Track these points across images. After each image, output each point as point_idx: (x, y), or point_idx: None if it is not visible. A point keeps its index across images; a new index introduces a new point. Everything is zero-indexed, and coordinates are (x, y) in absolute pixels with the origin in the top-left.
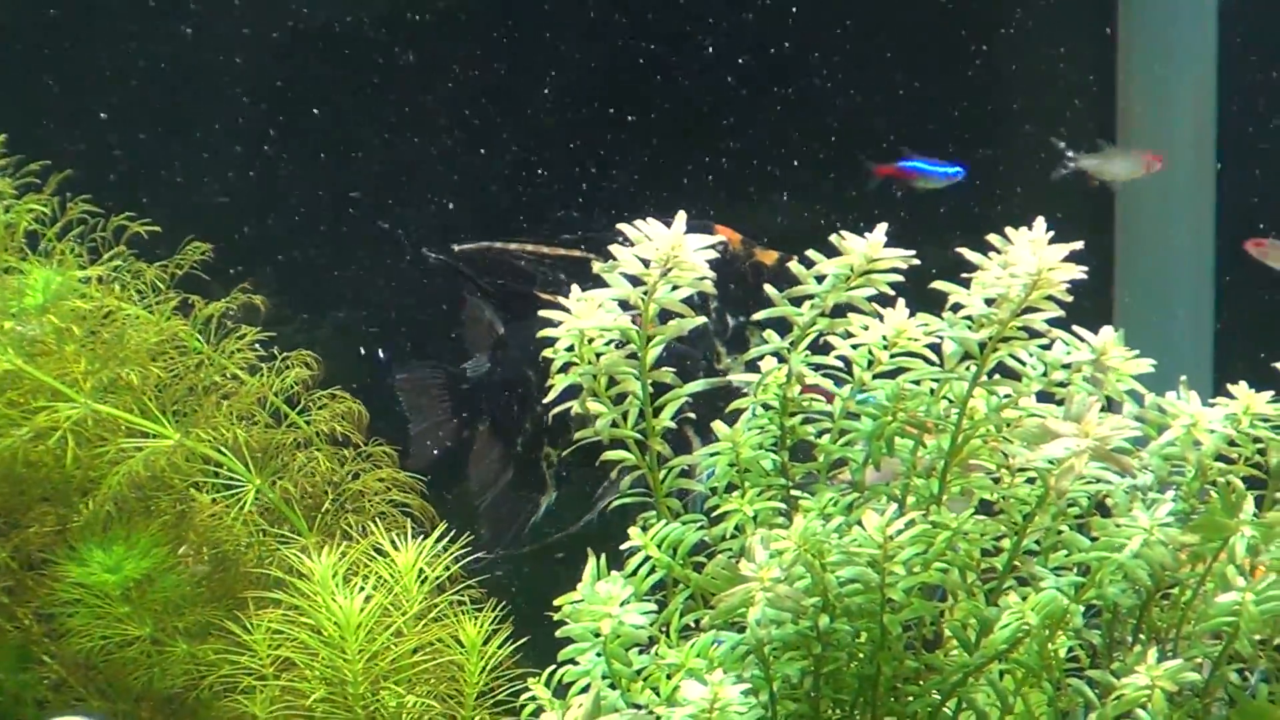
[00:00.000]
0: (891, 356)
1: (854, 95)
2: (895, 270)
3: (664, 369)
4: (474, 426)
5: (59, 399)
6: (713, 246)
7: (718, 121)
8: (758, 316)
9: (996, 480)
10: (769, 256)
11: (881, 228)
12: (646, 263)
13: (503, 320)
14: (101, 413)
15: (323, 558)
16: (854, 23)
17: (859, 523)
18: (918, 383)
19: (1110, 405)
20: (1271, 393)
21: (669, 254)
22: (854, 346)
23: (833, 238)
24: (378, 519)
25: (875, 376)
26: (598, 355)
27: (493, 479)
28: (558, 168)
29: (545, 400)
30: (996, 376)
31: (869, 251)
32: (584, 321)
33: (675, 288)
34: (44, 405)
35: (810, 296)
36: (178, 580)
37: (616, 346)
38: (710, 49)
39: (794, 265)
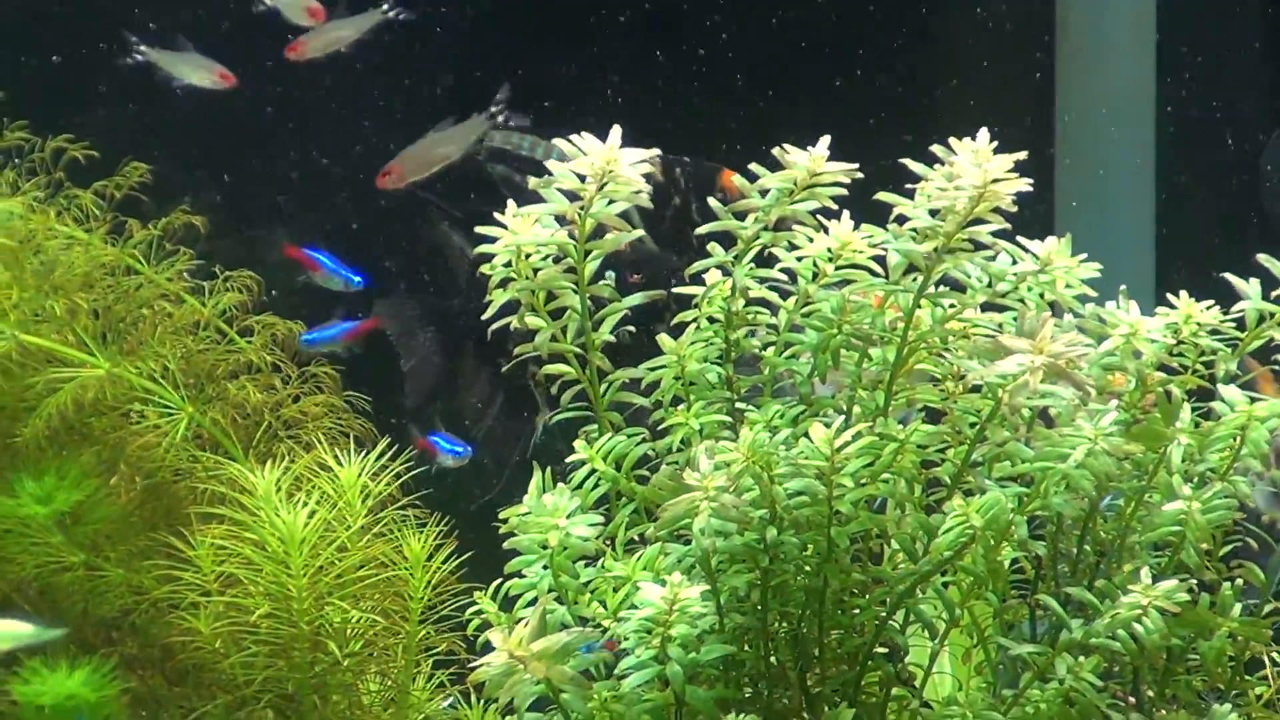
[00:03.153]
0: (836, 269)
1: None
2: (839, 184)
3: (602, 283)
4: (461, 355)
5: None
6: (647, 160)
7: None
8: (701, 230)
9: (942, 390)
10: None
11: (825, 140)
12: (583, 178)
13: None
14: (29, 344)
15: (265, 474)
16: None
17: (806, 435)
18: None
19: (1054, 311)
20: (1211, 302)
21: (604, 168)
22: (799, 259)
23: (775, 150)
24: (319, 438)
25: (820, 288)
26: (535, 271)
27: (487, 406)
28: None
29: (484, 316)
30: (942, 288)
31: (812, 165)
32: (521, 237)
33: (611, 202)
34: None
35: (754, 210)
36: (110, 511)
37: (555, 261)
38: None
39: (737, 179)
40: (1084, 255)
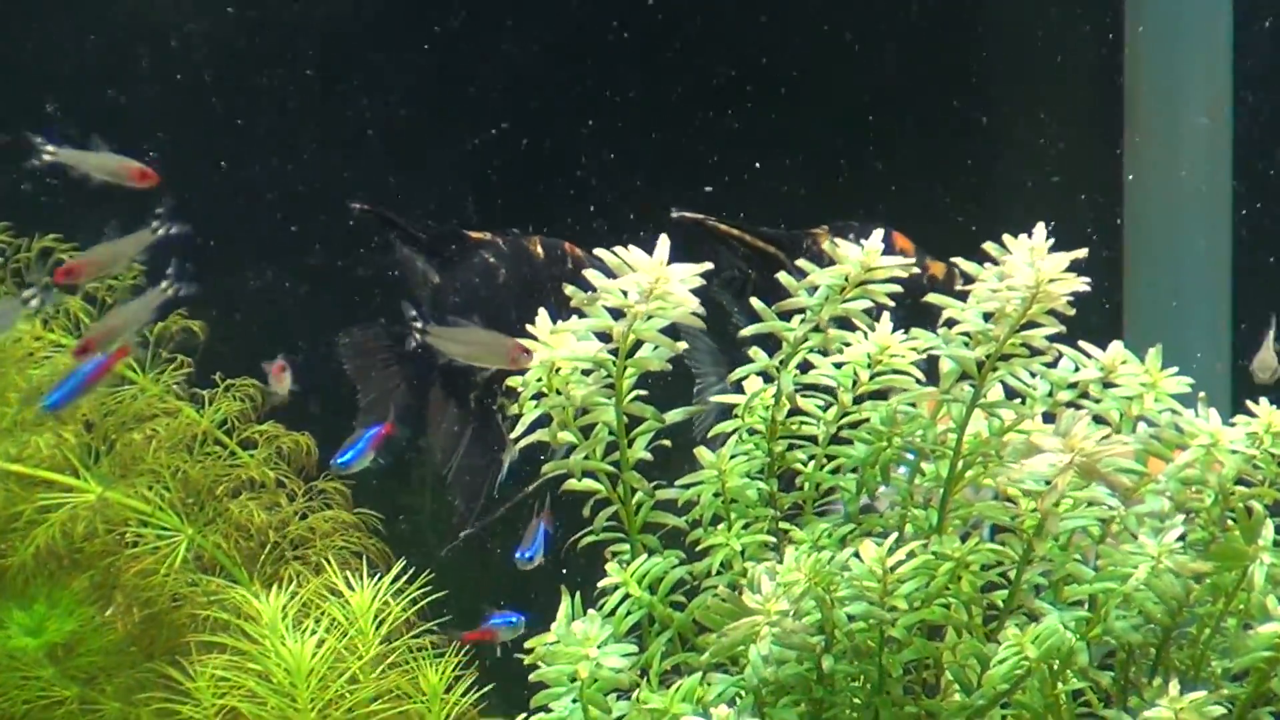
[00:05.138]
0: (873, 376)
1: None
2: (895, 280)
3: (636, 402)
4: (425, 388)
5: None
6: (708, 273)
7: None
8: (745, 332)
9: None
10: (938, 267)
11: (878, 234)
12: (626, 293)
13: (436, 267)
14: (11, 472)
15: (271, 599)
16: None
17: (856, 554)
18: (912, 404)
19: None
20: None
21: (651, 286)
22: (837, 365)
23: (825, 244)
24: (328, 559)
25: (856, 400)
26: (567, 384)
27: (454, 442)
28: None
29: (514, 435)
30: (999, 397)
31: (866, 260)
32: (557, 352)
33: (650, 317)
34: None
35: (801, 310)
36: (105, 641)
37: (586, 374)
38: None
39: (784, 276)
40: (1174, 370)
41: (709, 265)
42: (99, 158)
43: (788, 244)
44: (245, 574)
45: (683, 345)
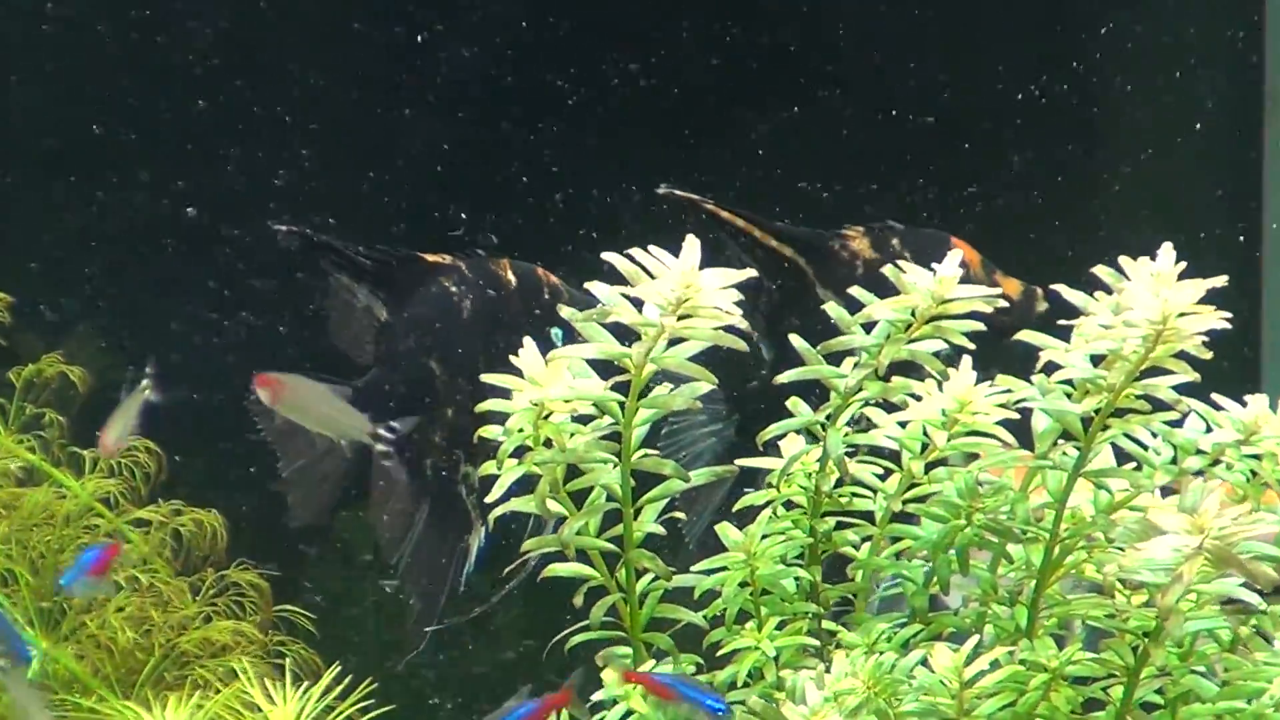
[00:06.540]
0: (950, 439)
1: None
2: (976, 315)
3: (649, 456)
4: (368, 455)
5: None
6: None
7: None
8: (783, 378)
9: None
10: (1012, 286)
11: (955, 255)
12: (640, 305)
13: (384, 302)
14: None
15: (169, 714)
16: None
17: (925, 661)
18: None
19: None
20: None
21: (680, 295)
22: (902, 424)
23: (888, 269)
24: (245, 666)
25: (929, 466)
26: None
27: (405, 525)
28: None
29: (488, 499)
30: (1109, 463)
31: (939, 289)
32: (546, 390)
33: (678, 340)
34: None
35: (854, 351)
36: None
37: (583, 421)
38: None
39: (833, 308)
40: None
41: (751, 272)
42: (134, 405)
43: (810, 246)
44: (114, 693)
45: (710, 385)
